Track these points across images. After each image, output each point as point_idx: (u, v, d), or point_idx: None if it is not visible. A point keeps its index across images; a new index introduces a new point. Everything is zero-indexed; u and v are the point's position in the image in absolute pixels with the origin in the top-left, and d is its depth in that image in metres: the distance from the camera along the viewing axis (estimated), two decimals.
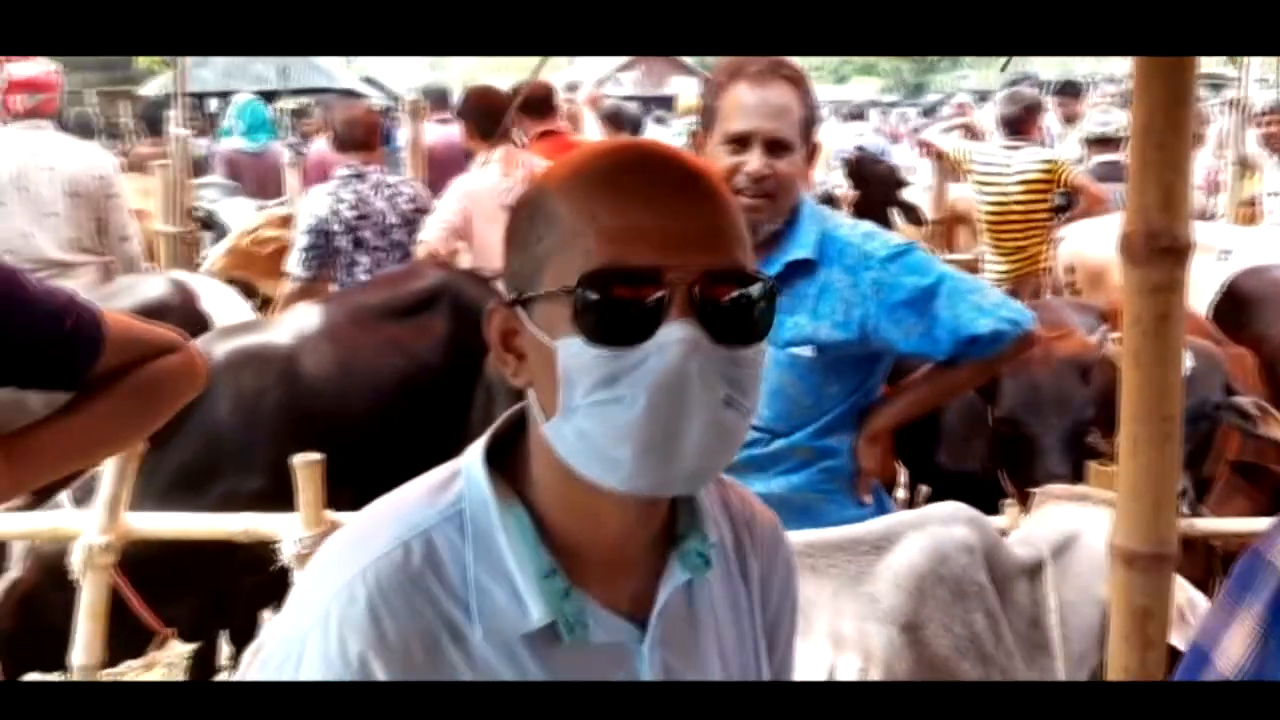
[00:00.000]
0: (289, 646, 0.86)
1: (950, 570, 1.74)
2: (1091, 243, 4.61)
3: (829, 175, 6.87)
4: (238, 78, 17.09)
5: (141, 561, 2.50)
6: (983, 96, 16.27)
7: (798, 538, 1.73)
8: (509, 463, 0.93)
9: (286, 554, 2.28)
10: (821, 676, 1.65)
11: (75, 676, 2.38)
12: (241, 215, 5.62)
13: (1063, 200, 5.50)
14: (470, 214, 4.08)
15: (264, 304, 5.09)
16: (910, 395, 2.17)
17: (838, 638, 1.67)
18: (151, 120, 8.35)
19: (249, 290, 5.29)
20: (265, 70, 18.12)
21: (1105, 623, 1.64)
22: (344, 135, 4.29)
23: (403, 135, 5.98)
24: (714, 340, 0.83)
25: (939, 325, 2.02)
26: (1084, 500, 2.01)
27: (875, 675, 1.66)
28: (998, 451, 2.72)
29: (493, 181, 4.17)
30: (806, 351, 2.05)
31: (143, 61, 18.22)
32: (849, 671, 1.66)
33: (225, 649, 3.47)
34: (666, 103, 17.98)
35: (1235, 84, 7.15)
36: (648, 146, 0.93)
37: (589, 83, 11.63)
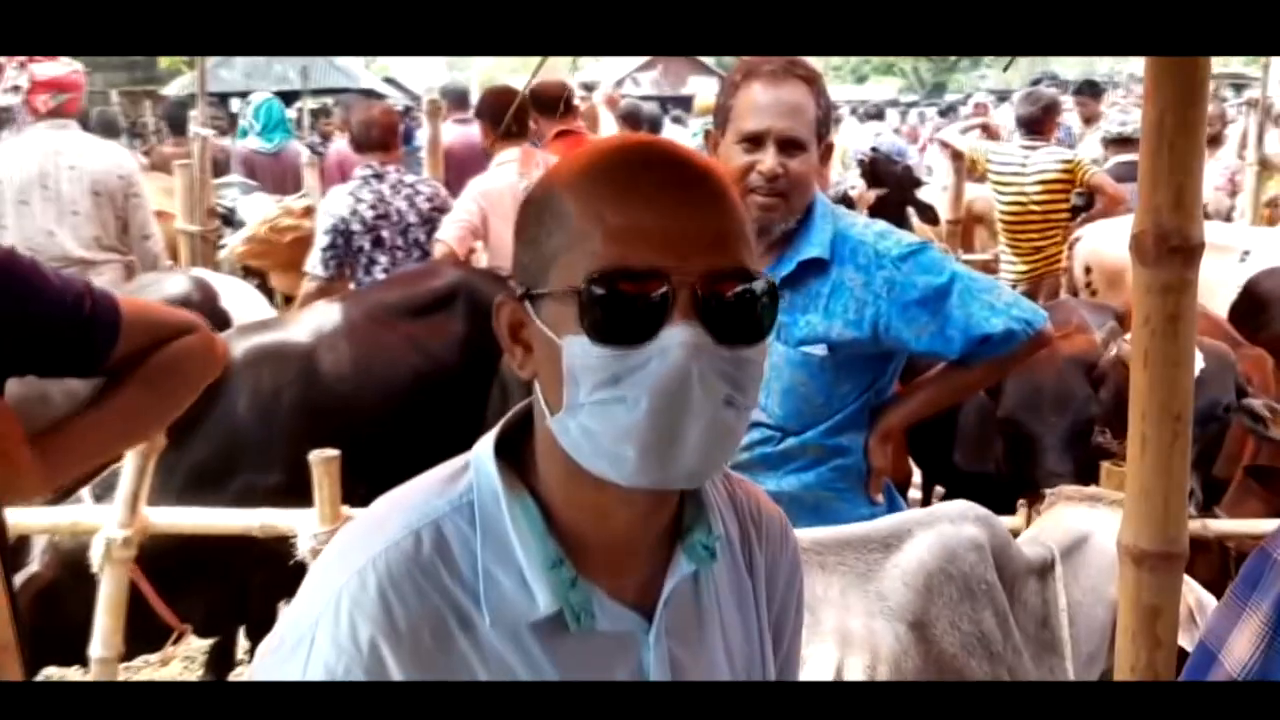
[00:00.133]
0: (301, 631, 0.87)
1: (959, 568, 1.74)
2: (1109, 243, 4.58)
3: (846, 175, 6.87)
4: (259, 78, 17.22)
5: (160, 556, 2.53)
6: (1002, 97, 16.21)
7: (806, 535, 1.73)
8: (518, 455, 0.94)
9: (303, 549, 2.31)
10: (829, 674, 1.66)
11: (93, 670, 2.41)
12: (261, 212, 5.67)
13: (1081, 200, 5.47)
14: (487, 213, 4.09)
15: (286, 303, 5.14)
16: (922, 394, 2.17)
17: (845, 635, 1.68)
18: (175, 120, 8.43)
19: (267, 287, 5.34)
20: (286, 70, 18.23)
21: (1115, 623, 1.64)
22: (362, 135, 4.32)
23: (422, 135, 6.01)
24: (716, 341, 0.84)
25: (951, 324, 2.02)
26: (1095, 501, 2.00)
27: (883, 673, 1.66)
28: (1001, 449, 2.73)
29: (510, 181, 4.19)
30: (819, 350, 2.05)
31: (166, 62, 18.36)
32: (856, 669, 1.66)
33: (243, 644, 3.50)
34: (685, 103, 17.95)
35: (1255, 83, 7.10)
36: (656, 145, 0.93)
37: (607, 83, 11.64)
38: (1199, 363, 2.48)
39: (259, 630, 3.20)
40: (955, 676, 1.70)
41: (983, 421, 2.90)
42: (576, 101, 5.51)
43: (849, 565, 1.73)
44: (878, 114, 14.07)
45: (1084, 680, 1.84)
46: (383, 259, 4.17)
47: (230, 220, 5.79)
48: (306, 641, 0.86)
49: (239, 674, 3.52)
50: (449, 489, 0.93)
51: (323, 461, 2.32)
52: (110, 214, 4.19)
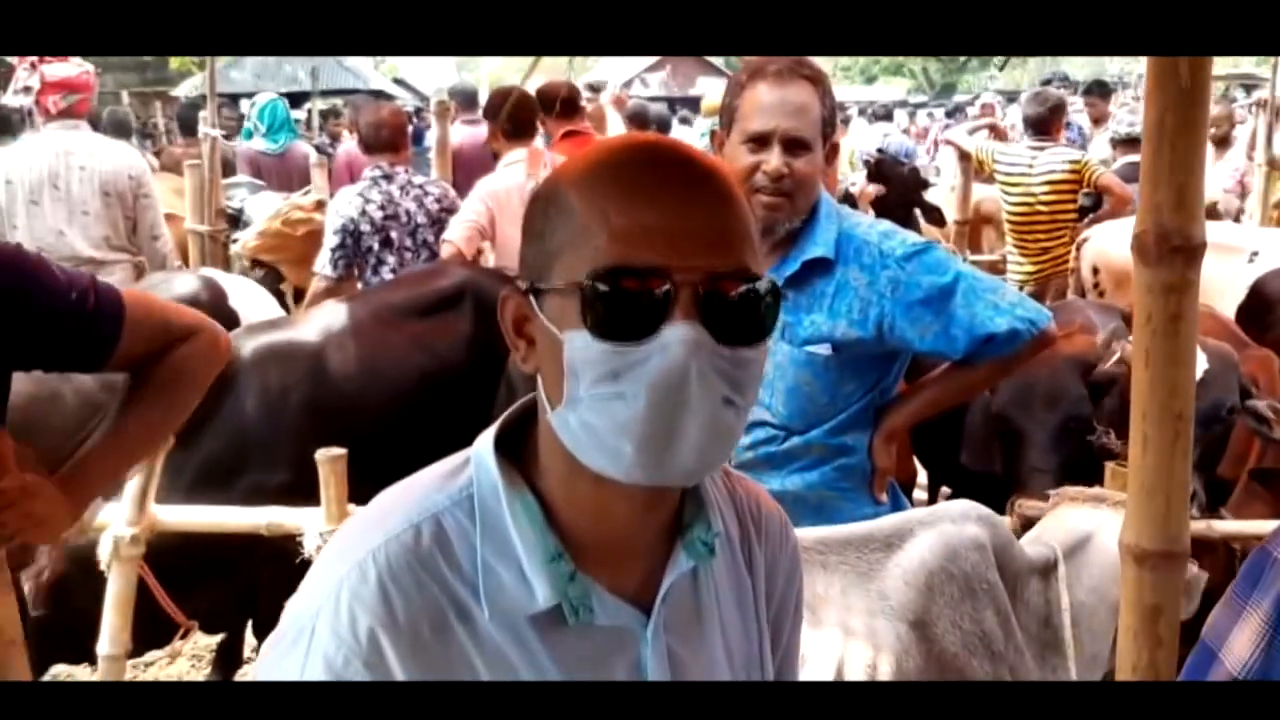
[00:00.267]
0: (301, 622, 0.88)
1: (960, 568, 1.74)
2: (1117, 244, 4.57)
3: (854, 175, 6.87)
4: (269, 79, 17.28)
5: (168, 554, 2.54)
6: (1010, 97, 16.19)
7: (808, 534, 1.74)
8: (519, 450, 0.95)
9: (309, 547, 2.32)
10: (830, 672, 1.66)
11: (101, 667, 2.43)
12: (272, 209, 5.69)
13: (1089, 201, 5.46)
14: (494, 214, 4.10)
15: (297, 299, 5.15)
16: (926, 394, 2.18)
17: (847, 633, 1.68)
18: (186, 121, 8.45)
19: (278, 277, 5.35)
20: (296, 71, 18.29)
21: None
22: (372, 136, 4.33)
23: (432, 136, 6.03)
24: (717, 340, 0.84)
25: (955, 324, 2.02)
26: (1099, 501, 2.01)
27: (884, 672, 1.66)
28: (993, 444, 2.73)
29: (517, 181, 4.20)
30: (823, 349, 2.05)
31: (176, 63, 18.44)
32: (858, 667, 1.66)
33: (250, 641, 3.52)
34: (694, 104, 17.95)
35: (1265, 84, 7.07)
36: (662, 144, 0.94)
37: (615, 83, 11.65)
38: (1202, 363, 2.48)
39: (266, 628, 3.22)
40: (956, 676, 1.70)
41: (989, 422, 2.90)
42: (583, 102, 5.52)
43: (850, 564, 1.74)
44: (886, 115, 14.08)
45: (1087, 679, 1.84)
46: (391, 259, 4.18)
47: (238, 220, 5.80)
48: (307, 633, 0.87)
49: (246, 672, 3.54)
50: (449, 483, 0.94)
51: (329, 460, 2.33)
52: (120, 214, 4.22)
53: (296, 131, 7.85)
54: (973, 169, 6.02)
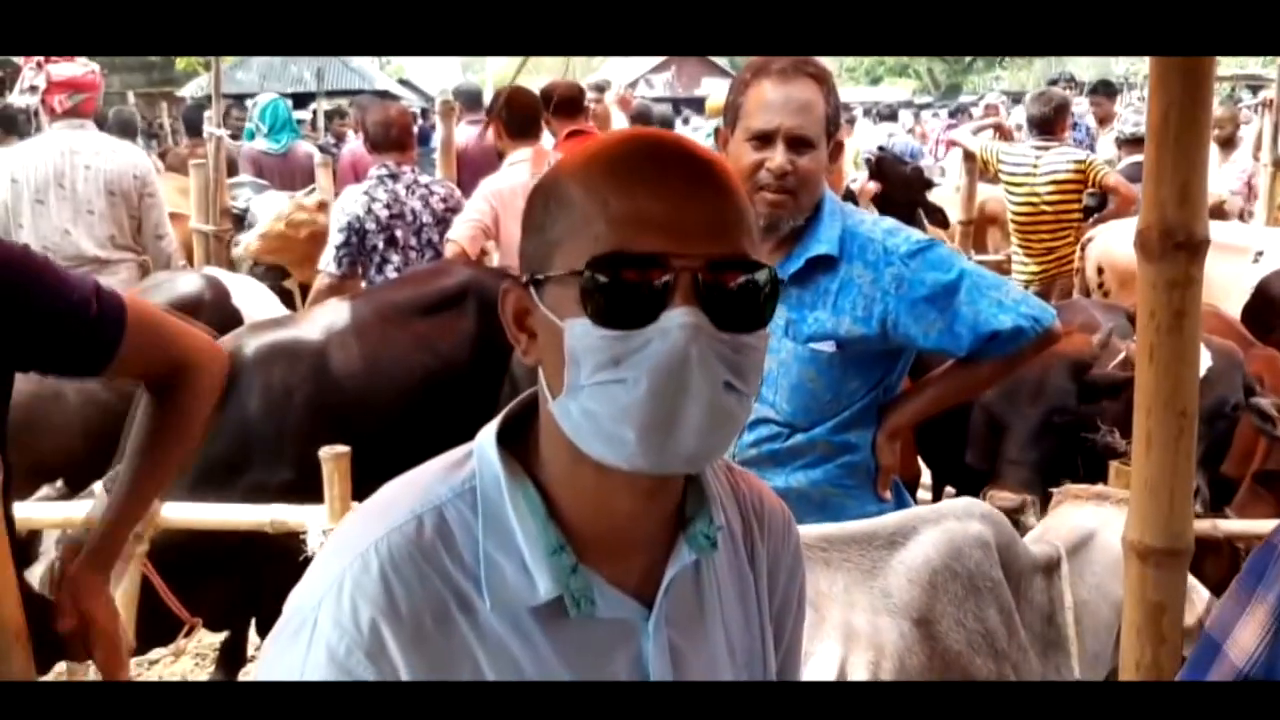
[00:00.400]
0: (304, 613, 0.89)
1: (964, 565, 1.74)
2: (1122, 243, 4.57)
3: (858, 173, 6.86)
4: (275, 80, 17.34)
5: (172, 551, 2.54)
6: (1016, 99, 16.18)
7: (811, 531, 1.74)
8: (521, 443, 0.96)
9: (313, 545, 2.32)
10: (833, 670, 1.66)
11: None
12: (275, 209, 5.70)
13: (1094, 201, 5.45)
14: (499, 213, 4.10)
15: (304, 291, 5.15)
16: (930, 391, 2.17)
17: (850, 631, 1.68)
18: (192, 122, 8.46)
19: (281, 274, 5.36)
20: (302, 72, 18.34)
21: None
22: (380, 135, 4.33)
23: (438, 137, 6.04)
24: (716, 326, 0.85)
25: (959, 321, 2.02)
26: (1102, 500, 2.00)
27: (887, 669, 1.66)
28: (975, 434, 2.74)
29: (522, 181, 4.20)
30: (827, 346, 2.05)
31: (182, 64, 18.48)
32: (860, 665, 1.66)
33: (254, 640, 3.52)
34: (698, 105, 17.97)
35: (1271, 85, 7.06)
36: (661, 136, 0.94)
37: (619, 83, 11.65)
38: (1206, 360, 2.48)
39: (269, 626, 3.20)
40: (960, 674, 1.70)
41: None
42: (588, 102, 5.52)
43: (854, 562, 1.74)
44: (891, 115, 14.07)
45: (1091, 677, 1.84)
46: (396, 258, 4.18)
47: (244, 220, 5.82)
48: (310, 623, 0.87)
49: (249, 670, 3.54)
50: (452, 475, 0.94)
51: (333, 458, 2.33)
52: (125, 213, 4.23)
53: (298, 131, 7.86)
54: (977, 169, 6.02)
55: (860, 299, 2.04)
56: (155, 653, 3.72)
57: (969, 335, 2.02)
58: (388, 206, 4.17)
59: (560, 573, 0.90)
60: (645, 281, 0.84)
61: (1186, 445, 1.45)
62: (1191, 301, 1.44)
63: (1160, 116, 1.44)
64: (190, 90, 17.68)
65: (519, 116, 4.41)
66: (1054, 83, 10.72)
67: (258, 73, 19.96)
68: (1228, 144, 7.37)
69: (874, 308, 2.03)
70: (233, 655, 3.53)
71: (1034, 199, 5.36)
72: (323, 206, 5.23)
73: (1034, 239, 5.46)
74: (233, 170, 6.45)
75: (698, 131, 10.23)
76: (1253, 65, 18.16)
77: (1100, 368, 2.82)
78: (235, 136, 7.34)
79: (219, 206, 5.45)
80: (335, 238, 4.16)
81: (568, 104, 4.72)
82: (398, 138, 4.32)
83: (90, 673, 2.31)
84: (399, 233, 4.18)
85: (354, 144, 7.66)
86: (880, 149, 7.40)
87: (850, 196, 5.49)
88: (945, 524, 1.78)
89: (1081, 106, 9.26)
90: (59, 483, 2.58)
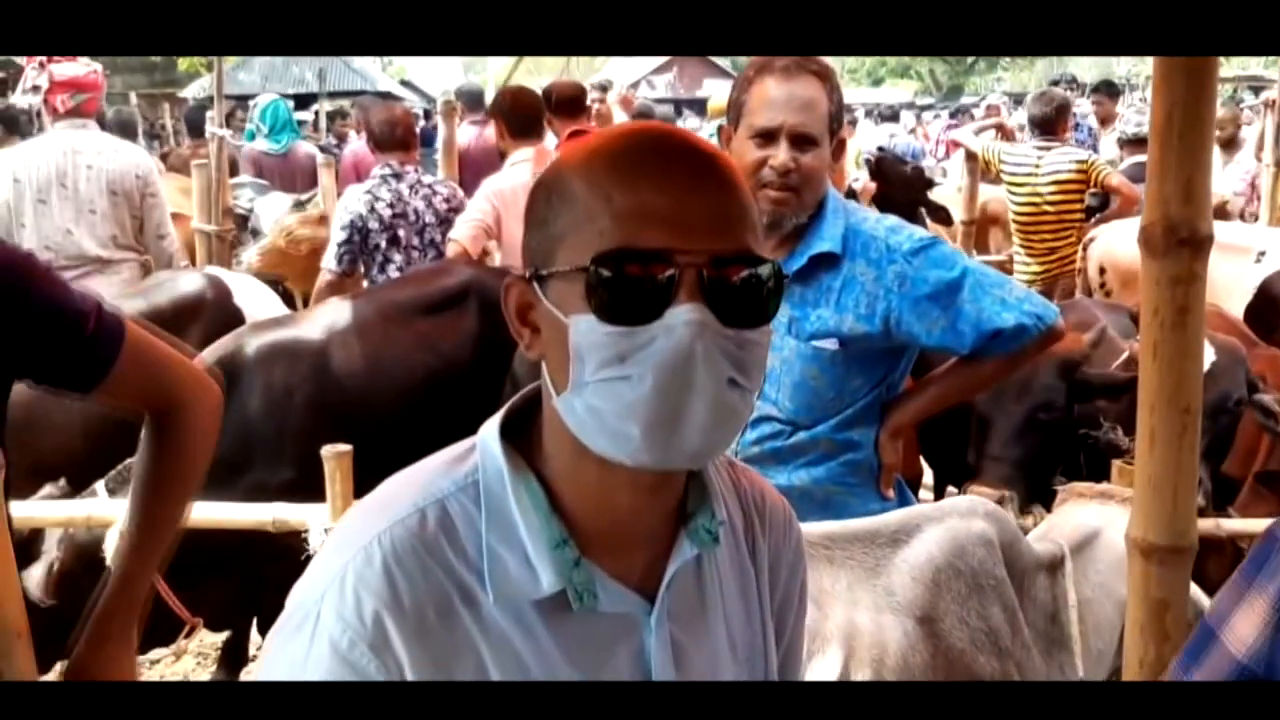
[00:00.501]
0: (307, 606, 0.89)
1: (967, 564, 1.73)
2: (1124, 243, 4.57)
3: (859, 173, 6.86)
4: (277, 80, 17.36)
5: (173, 550, 2.54)
6: (1018, 100, 16.18)
7: (814, 528, 1.73)
8: (525, 437, 0.95)
9: (315, 543, 2.32)
10: (836, 668, 1.65)
11: None
12: (277, 211, 5.69)
13: (1095, 201, 5.45)
14: (501, 213, 4.10)
15: (305, 302, 5.16)
16: (933, 389, 2.17)
17: (853, 629, 1.67)
18: (194, 123, 8.48)
19: (286, 291, 5.37)
20: (303, 73, 18.35)
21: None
22: (384, 135, 4.33)
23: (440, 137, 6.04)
24: (721, 322, 0.85)
25: (962, 319, 2.01)
26: (1106, 498, 2.00)
27: (890, 668, 1.66)
28: (972, 432, 2.74)
29: (524, 180, 4.20)
30: (830, 344, 2.05)
31: (184, 64, 18.52)
32: (863, 664, 1.66)
33: (255, 639, 3.52)
34: (700, 105, 17.98)
35: (1273, 86, 7.05)
36: (664, 131, 0.94)
37: (621, 84, 11.66)
38: (1210, 356, 2.47)
39: (271, 625, 3.21)
40: (963, 672, 1.69)
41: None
42: (590, 102, 5.52)
43: (857, 560, 1.73)
44: (893, 116, 14.07)
45: (1094, 676, 1.83)
46: (398, 258, 4.19)
47: (247, 221, 5.82)
48: (313, 616, 0.87)
49: (251, 670, 3.54)
50: (455, 469, 0.94)
51: (335, 456, 2.33)
52: (127, 213, 4.23)
53: (299, 132, 7.87)
54: (979, 169, 6.02)
55: (863, 297, 2.04)
56: (156, 652, 3.72)
57: (972, 333, 2.02)
58: (391, 206, 4.17)
59: (563, 566, 0.89)
60: (650, 277, 0.84)
61: (1190, 442, 1.45)
62: (1195, 298, 1.44)
63: (1164, 116, 1.44)
64: (192, 91, 17.70)
65: (521, 116, 4.40)
66: (1056, 83, 10.72)
67: (260, 73, 19.98)
68: (1230, 145, 7.37)
69: (877, 305, 2.03)
70: (234, 655, 3.53)
71: (1036, 199, 5.35)
72: (323, 220, 5.23)
73: (1036, 239, 5.46)
74: (234, 171, 6.45)
75: (698, 133, 10.21)
76: (1255, 66, 18.16)
77: (1103, 367, 2.81)
78: (235, 136, 7.35)
79: (221, 206, 5.45)
80: (338, 235, 4.17)
81: (570, 104, 4.72)
82: (402, 137, 4.33)
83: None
84: (402, 232, 4.18)
85: (356, 144, 7.67)
86: (880, 149, 7.40)
87: (853, 195, 5.49)
88: (948, 522, 1.77)
89: (1084, 107, 9.26)
90: (61, 481, 2.58)
